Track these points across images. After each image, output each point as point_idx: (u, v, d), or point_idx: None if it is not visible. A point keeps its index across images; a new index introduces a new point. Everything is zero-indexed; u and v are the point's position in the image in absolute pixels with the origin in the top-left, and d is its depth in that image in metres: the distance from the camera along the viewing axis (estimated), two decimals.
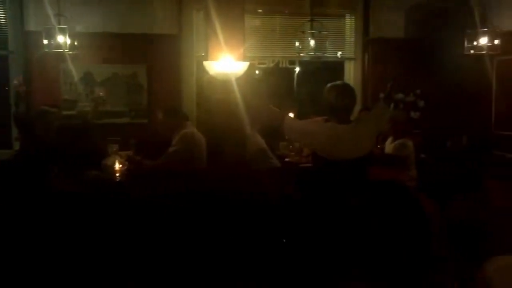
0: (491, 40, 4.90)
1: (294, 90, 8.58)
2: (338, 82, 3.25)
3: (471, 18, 5.11)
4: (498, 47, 4.90)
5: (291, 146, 5.80)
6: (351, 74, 6.33)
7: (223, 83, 3.49)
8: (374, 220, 1.46)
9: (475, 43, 4.97)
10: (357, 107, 6.34)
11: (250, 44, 5.71)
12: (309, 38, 5.03)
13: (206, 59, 3.49)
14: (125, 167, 4.17)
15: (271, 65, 6.25)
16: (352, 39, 6.23)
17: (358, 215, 1.57)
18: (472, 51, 5.06)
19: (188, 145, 4.38)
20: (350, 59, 6.32)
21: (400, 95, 6.15)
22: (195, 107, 5.88)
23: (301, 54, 5.23)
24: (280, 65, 6.29)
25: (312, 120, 3.31)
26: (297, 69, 8.19)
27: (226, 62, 3.31)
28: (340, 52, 6.23)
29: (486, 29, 4.88)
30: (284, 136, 4.37)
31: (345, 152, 3.04)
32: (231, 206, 2.69)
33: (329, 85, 3.19)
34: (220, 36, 3.23)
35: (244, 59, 3.57)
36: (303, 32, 5.11)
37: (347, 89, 3.20)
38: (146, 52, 5.62)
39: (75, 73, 5.55)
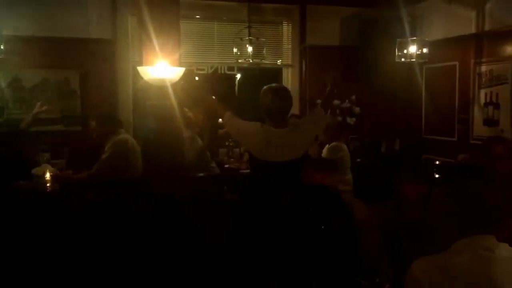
0: (420, 48, 5.13)
1: (235, 96, 8.60)
2: (274, 84, 3.29)
3: (402, 27, 5.33)
4: (426, 55, 5.14)
5: (230, 153, 5.81)
6: (289, 81, 6.43)
7: (159, 89, 3.43)
8: (301, 223, 1.47)
9: (405, 51, 5.17)
10: (295, 112, 6.48)
11: (187, 50, 5.65)
12: (247, 45, 5.05)
13: (141, 65, 3.41)
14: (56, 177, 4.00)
15: (210, 71, 6.22)
16: (290, 46, 6.33)
17: (287, 218, 1.58)
18: (402, 59, 5.26)
19: (120, 151, 4.28)
20: (287, 66, 6.41)
21: (336, 102, 6.32)
22: (131, 113, 5.74)
23: (239, 61, 5.24)
24: (219, 72, 6.27)
25: (251, 122, 3.33)
26: (238, 76, 8.21)
27: (161, 68, 3.25)
28: (280, 60, 6.31)
29: (415, 38, 5.10)
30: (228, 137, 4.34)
31: (278, 155, 3.08)
32: (169, 213, 2.63)
33: (265, 87, 3.21)
34: (155, 41, 3.17)
35: (180, 64, 3.52)
36: (241, 38, 5.13)
37: (282, 91, 3.24)
38: (80, 57, 5.41)
39: (2, 79, 5.27)
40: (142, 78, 3.39)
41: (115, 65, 5.60)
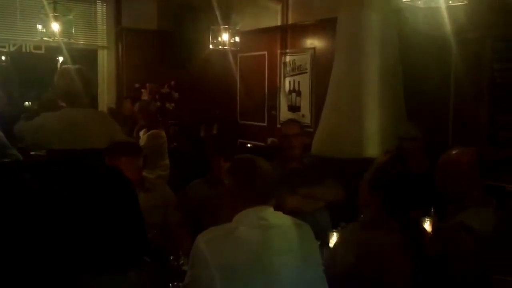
0: (232, 37, 5.36)
1: (52, 79, 7.91)
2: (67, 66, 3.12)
3: (216, 15, 5.49)
4: (238, 44, 5.41)
5: None
6: (105, 63, 6.17)
7: None
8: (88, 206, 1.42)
9: (219, 39, 5.36)
10: (112, 96, 6.25)
11: None
12: (52, 21, 4.66)
13: None
14: None
15: (12, 49, 5.63)
16: (104, 27, 6.05)
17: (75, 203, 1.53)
18: (219, 47, 5.45)
19: None
20: (103, 47, 6.13)
21: (154, 85, 6.27)
22: None
23: (45, 38, 4.82)
24: (24, 50, 5.71)
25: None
26: (61, 59, 7.57)
27: None
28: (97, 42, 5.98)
29: (227, 26, 5.31)
30: None
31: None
32: None
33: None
34: None
35: None
36: (45, 14, 4.71)
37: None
38: None
39: None
40: None
41: None
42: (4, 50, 5.60)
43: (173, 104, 6.40)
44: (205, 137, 6.48)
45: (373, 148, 4.04)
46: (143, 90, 6.17)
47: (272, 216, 1.83)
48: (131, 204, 1.60)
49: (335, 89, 4.27)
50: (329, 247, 2.60)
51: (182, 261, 2.23)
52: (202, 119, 6.49)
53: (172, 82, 6.39)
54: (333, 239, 2.68)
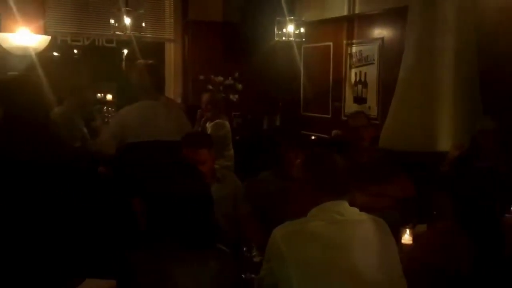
0: (297, 28, 5.32)
1: (122, 71, 8.22)
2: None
3: (281, 7, 5.46)
4: (303, 35, 5.35)
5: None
6: (172, 56, 6.31)
7: (22, 58, 3.15)
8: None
9: (284, 30, 5.34)
10: (178, 88, 6.40)
11: (58, 18, 5.23)
12: (124, 16, 4.82)
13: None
14: None
15: (86, 43, 5.87)
16: (172, 20, 6.18)
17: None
18: (282, 38, 5.43)
19: None
20: (170, 40, 6.27)
21: (219, 78, 6.34)
22: None
23: (117, 33, 4.99)
24: (96, 44, 5.94)
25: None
26: (125, 51, 7.85)
27: (22, 35, 2.98)
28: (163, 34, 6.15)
29: (292, 17, 5.27)
30: None
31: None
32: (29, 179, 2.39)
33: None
34: (13, 5, 2.89)
35: (48, 33, 3.27)
36: (118, 9, 4.87)
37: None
38: None
39: None
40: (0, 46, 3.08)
41: None
42: (79, 44, 5.85)
43: (236, 96, 6.45)
44: (269, 129, 6.50)
45: (445, 141, 3.89)
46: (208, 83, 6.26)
47: (349, 211, 1.80)
48: (203, 195, 1.64)
49: (405, 80, 4.13)
50: (402, 243, 2.54)
51: (254, 253, 2.25)
52: (265, 111, 6.51)
53: (236, 74, 6.43)
54: (406, 237, 2.61)
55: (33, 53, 3.14)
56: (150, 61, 3.23)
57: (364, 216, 1.82)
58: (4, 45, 3.07)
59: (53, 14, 5.10)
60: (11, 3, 2.88)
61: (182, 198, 1.51)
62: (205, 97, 5.00)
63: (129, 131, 3.05)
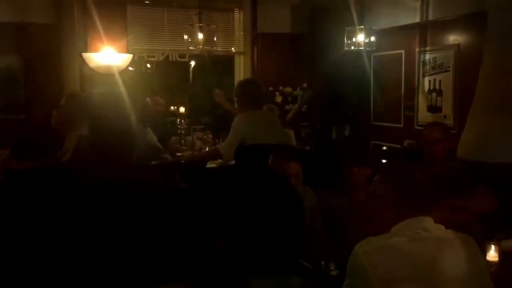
0: (368, 37, 5.25)
1: (190, 84, 8.51)
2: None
3: (350, 16, 5.42)
4: (373, 43, 5.27)
5: (182, 141, 5.74)
6: (241, 68, 6.43)
7: (106, 76, 3.34)
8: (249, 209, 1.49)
9: (353, 39, 5.28)
10: None
11: (136, 36, 5.51)
12: (198, 32, 4.99)
13: (86, 51, 3.31)
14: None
15: (161, 58, 6.13)
16: (241, 33, 6.31)
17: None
18: (351, 47, 5.38)
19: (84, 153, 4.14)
20: (240, 53, 6.40)
21: (288, 89, 6.40)
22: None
23: (190, 47, 5.18)
24: (170, 59, 6.19)
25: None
26: (192, 63, 8.12)
27: (107, 54, 3.17)
28: (233, 48, 6.31)
29: (362, 26, 5.21)
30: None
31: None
32: (114, 201, 2.54)
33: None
34: (100, 26, 3.08)
35: (129, 51, 3.45)
36: (191, 25, 5.06)
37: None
38: (21, 43, 5.16)
39: None
40: (87, 64, 3.29)
41: (61, 52, 5.38)
42: (154, 59, 6.12)
43: (305, 106, 6.46)
44: (337, 140, 6.44)
45: None
46: (276, 93, 6.33)
47: (434, 228, 1.75)
48: (298, 209, 1.65)
49: (486, 87, 3.95)
50: (487, 260, 2.42)
51: (332, 267, 2.24)
52: (334, 121, 6.46)
53: (304, 84, 6.45)
54: (491, 253, 2.48)
55: (115, 71, 3.32)
56: (252, 77, 3.50)
57: (450, 233, 1.76)
58: (90, 64, 3.27)
59: (134, 32, 5.40)
60: (98, 24, 3.07)
61: (277, 210, 1.52)
62: (265, 108, 5.08)
63: (249, 137, 3.34)
